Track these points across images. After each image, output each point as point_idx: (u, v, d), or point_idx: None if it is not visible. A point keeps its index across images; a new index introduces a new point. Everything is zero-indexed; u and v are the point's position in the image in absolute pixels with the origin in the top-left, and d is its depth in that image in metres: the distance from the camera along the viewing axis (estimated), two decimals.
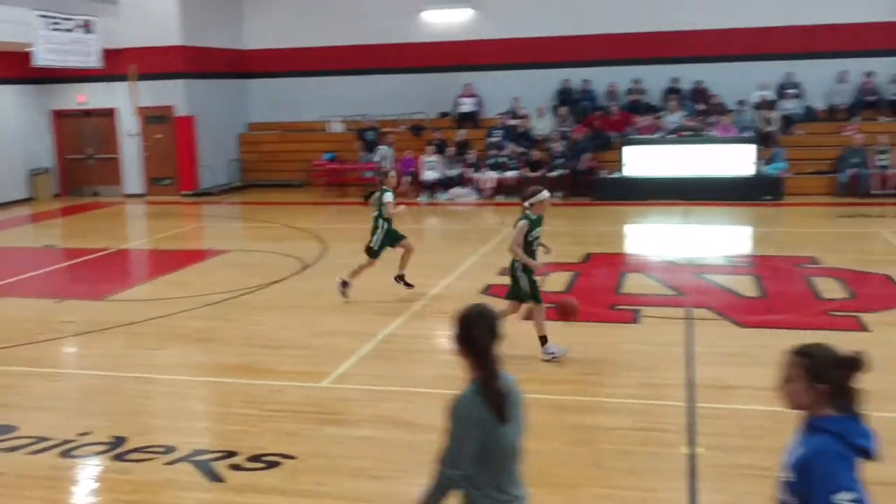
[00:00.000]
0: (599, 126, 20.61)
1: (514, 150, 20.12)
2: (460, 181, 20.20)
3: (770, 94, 20.45)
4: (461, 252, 13.68)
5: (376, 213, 10.57)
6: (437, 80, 22.47)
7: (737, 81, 20.50)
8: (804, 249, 13.13)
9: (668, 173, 18.61)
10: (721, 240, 15.40)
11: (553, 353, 7.99)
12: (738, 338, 8.83)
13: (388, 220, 10.52)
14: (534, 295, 8.01)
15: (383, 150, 18.38)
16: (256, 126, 24.19)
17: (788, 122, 20.20)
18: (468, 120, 22.02)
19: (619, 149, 19.43)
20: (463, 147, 20.69)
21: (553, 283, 11.26)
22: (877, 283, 10.93)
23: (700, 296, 10.37)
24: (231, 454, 6.20)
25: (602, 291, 10.90)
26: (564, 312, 7.93)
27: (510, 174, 19.79)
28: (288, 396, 7.42)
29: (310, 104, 23.20)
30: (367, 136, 21.84)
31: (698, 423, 6.49)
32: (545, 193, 8.03)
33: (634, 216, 17.32)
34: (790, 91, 20.54)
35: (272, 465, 6.04)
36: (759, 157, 18.72)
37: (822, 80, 20.52)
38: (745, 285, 10.96)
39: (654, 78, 21.28)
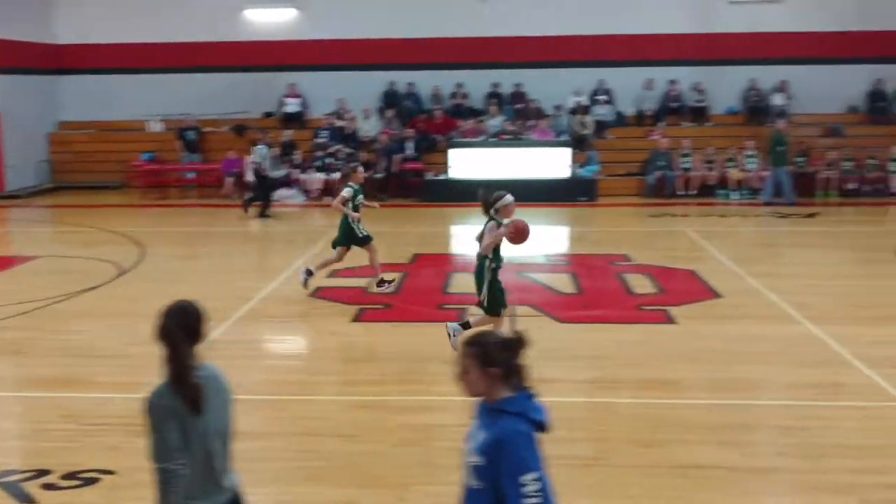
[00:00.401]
0: (424, 128, 20.93)
1: (342, 151, 20.09)
2: (286, 182, 19.94)
3: (584, 100, 21.47)
4: (288, 255, 13.53)
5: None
6: (261, 79, 22.10)
7: (553, 87, 21.41)
8: (617, 247, 13.87)
9: (491, 175, 19.11)
10: (541, 239, 15.99)
11: (455, 332, 8.10)
12: (558, 333, 9.23)
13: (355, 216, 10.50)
14: (490, 306, 7.92)
15: (261, 149, 18.09)
16: (69, 125, 22.89)
17: (601, 126, 21.27)
18: (294, 120, 21.80)
19: (445, 151, 19.82)
20: (289, 148, 20.45)
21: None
22: (683, 279, 11.71)
23: (522, 294, 10.75)
24: (44, 473, 5.87)
25: (430, 291, 11.09)
26: (519, 234, 7.80)
27: (335, 176, 19.72)
28: (108, 409, 7.10)
29: (128, 102, 22.19)
30: (188, 135, 21.19)
31: None
32: (510, 197, 8.07)
33: (460, 217, 17.68)
34: (602, 97, 21.65)
35: (90, 481, 5.77)
36: (575, 160, 19.62)
37: (630, 87, 21.78)
38: (564, 283, 11.47)
39: (477, 82, 21.89)
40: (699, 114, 21.65)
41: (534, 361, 6.67)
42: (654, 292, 10.90)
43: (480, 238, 8.08)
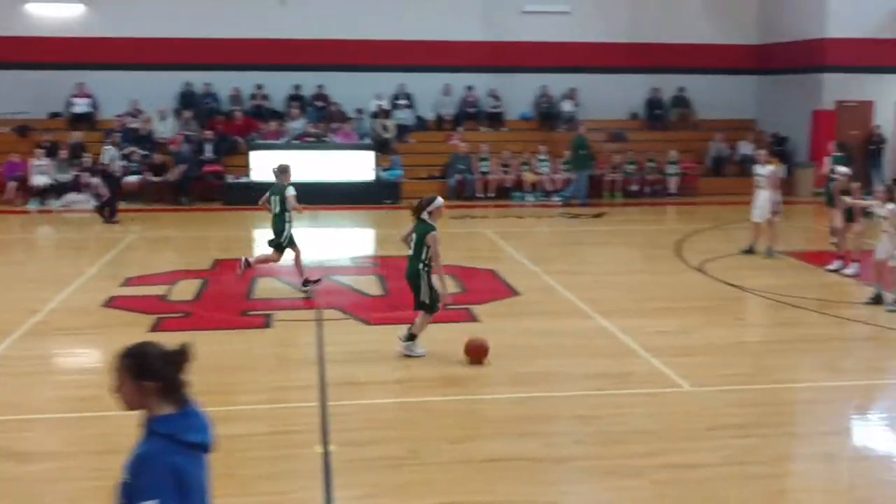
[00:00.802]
0: (223, 130, 20.40)
1: (137, 153, 19.20)
2: (75, 187, 18.80)
3: (386, 104, 21.70)
4: (79, 263, 12.79)
5: (278, 210, 10.62)
6: (46, 77, 20.71)
7: (356, 90, 21.51)
8: None
9: (294, 178, 18.89)
10: (347, 242, 16.04)
11: (417, 353, 8.22)
12: (365, 335, 9.29)
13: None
14: (433, 303, 8.13)
15: (110, 150, 16.94)
16: None
17: (403, 130, 21.59)
18: (83, 121, 20.58)
19: (246, 153, 19.41)
20: (77, 150, 19.28)
21: (180, 292, 10.98)
22: (484, 278, 12.10)
23: (329, 297, 10.73)
24: None
25: (232, 298, 10.82)
26: (476, 352, 8.04)
27: (132, 179, 18.85)
28: None
29: None
30: None
31: (331, 422, 6.74)
32: (441, 200, 8.23)
33: (263, 221, 17.35)
34: (403, 101, 21.97)
35: None
36: (378, 163, 19.80)
37: (430, 92, 22.26)
38: (370, 285, 11.55)
39: (277, 84, 21.60)
40: (495, 119, 22.45)
41: (343, 364, 6.74)
42: (457, 292, 11.19)
43: (407, 239, 8.29)
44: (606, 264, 13.50)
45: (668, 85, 23.08)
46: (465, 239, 15.93)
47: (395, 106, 21.88)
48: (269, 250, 10.95)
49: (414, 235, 8.16)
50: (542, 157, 20.76)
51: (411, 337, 8.31)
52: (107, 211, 16.63)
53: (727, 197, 19.71)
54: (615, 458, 6.10)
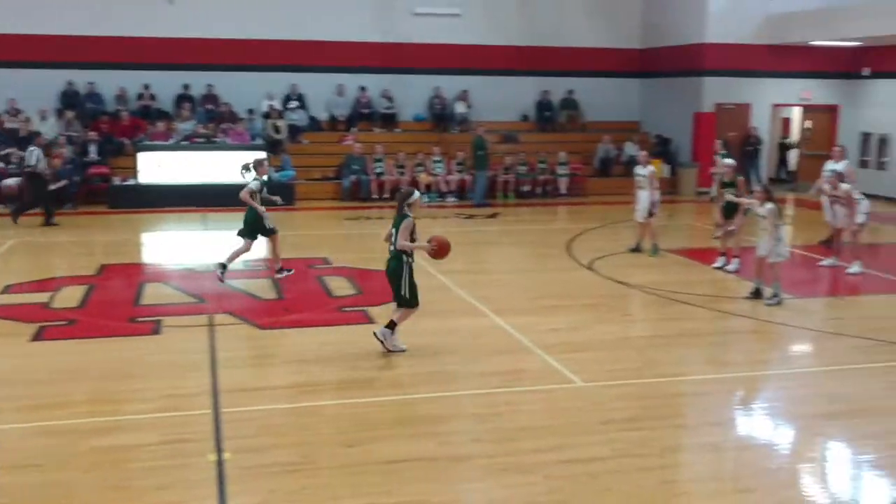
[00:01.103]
0: (108, 131, 19.74)
1: (15, 155, 18.35)
2: None
3: (277, 104, 21.42)
4: None
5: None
6: None
7: (247, 90, 21.17)
8: (316, 251, 14.01)
9: (184, 180, 18.47)
10: (239, 245, 15.69)
11: (399, 346, 8.39)
12: (259, 340, 9.15)
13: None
14: (412, 297, 8.36)
15: (35, 150, 16.01)
16: None
17: (295, 131, 21.35)
18: None
19: (133, 155, 18.83)
20: None
21: (64, 299, 10.56)
22: (380, 279, 11.96)
23: (221, 301, 10.52)
24: None
25: (120, 304, 10.48)
26: (441, 249, 8.45)
27: (11, 181, 18.01)
28: None
29: None
30: None
31: (224, 429, 6.60)
32: (418, 193, 8.64)
33: (151, 224, 16.91)
34: (295, 102, 21.72)
35: None
36: (270, 164, 19.48)
37: (323, 93, 22.10)
38: (264, 288, 11.37)
39: (165, 84, 21.04)
40: (389, 120, 22.45)
41: (235, 370, 6.62)
42: (353, 293, 11.15)
43: (389, 238, 8.45)
44: (500, 263, 13.69)
45: (557, 87, 23.57)
46: (360, 240, 15.88)
47: (287, 106, 21.61)
48: (240, 242, 11.08)
49: (394, 230, 8.35)
50: (437, 158, 20.88)
51: (391, 325, 8.45)
52: (19, 216, 15.96)
53: (614, 197, 20.28)
54: (511, 455, 6.19)
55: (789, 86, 22.31)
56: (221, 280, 10.81)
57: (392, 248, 8.38)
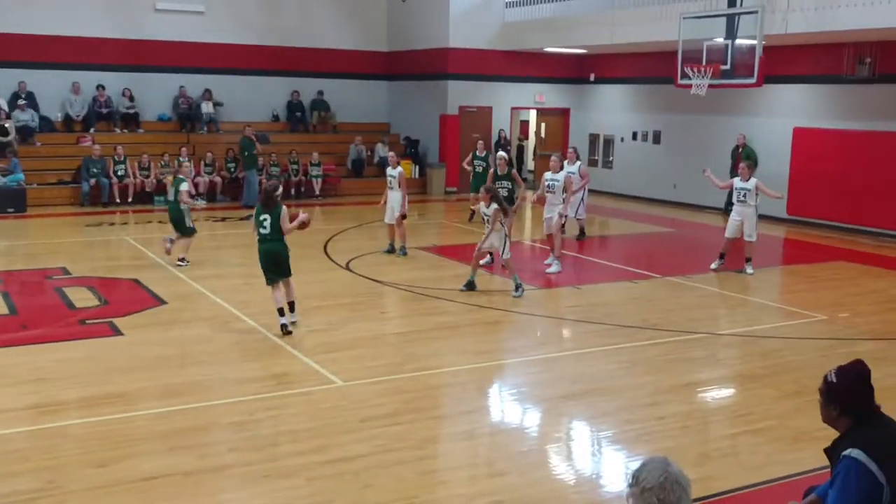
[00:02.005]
0: None
1: None
2: None
3: (3, 104, 19.70)
4: None
5: (173, 199, 12.62)
6: None
7: None
8: (54, 261, 13.07)
9: None
10: None
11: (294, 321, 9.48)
12: None
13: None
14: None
15: None
16: None
17: (25, 132, 19.74)
18: None
19: None
20: None
21: None
22: (126, 288, 11.48)
23: None
24: None
25: None
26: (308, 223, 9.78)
27: None
28: None
29: None
30: None
31: None
32: (276, 182, 10.32)
33: None
34: (23, 101, 20.06)
35: None
36: None
37: (56, 91, 20.60)
38: None
39: None
40: (131, 120, 21.35)
41: None
42: (97, 305, 10.52)
43: (258, 227, 9.56)
44: (256, 266, 13.39)
45: (306, 88, 23.51)
46: (103, 247, 15.02)
47: (14, 105, 19.91)
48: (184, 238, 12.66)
49: (267, 219, 9.37)
50: (184, 159, 20.09)
51: (291, 306, 9.58)
52: None
53: (368, 197, 20.53)
54: (271, 461, 6.13)
55: (526, 89, 23.70)
56: (169, 253, 12.23)
57: (267, 234, 9.42)
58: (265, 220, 9.36)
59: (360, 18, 24.22)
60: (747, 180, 12.92)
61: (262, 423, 6.85)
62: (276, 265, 9.47)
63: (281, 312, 9.29)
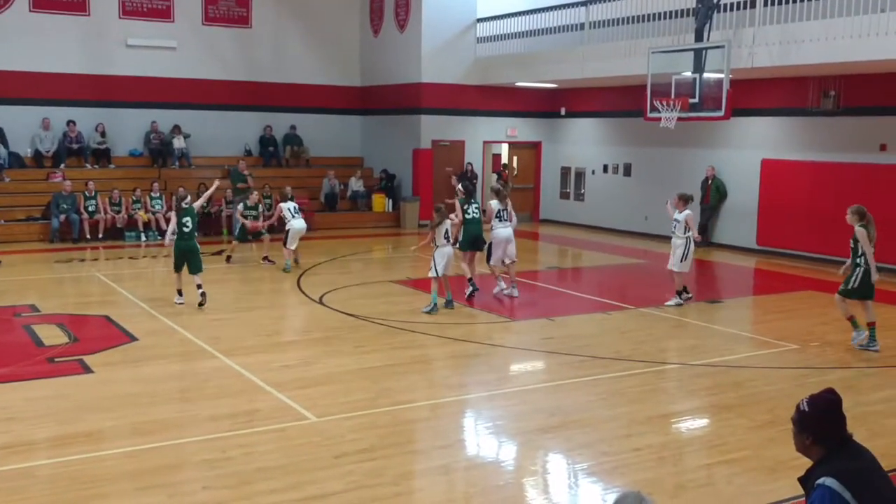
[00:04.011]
0: None
1: None
2: None
3: None
4: None
5: (188, 231, 12.56)
6: None
7: None
8: (23, 298, 12.90)
9: None
10: None
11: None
12: None
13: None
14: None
15: None
16: None
17: None
18: None
19: None
20: None
21: None
22: (97, 325, 11.34)
23: None
24: None
25: None
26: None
27: None
28: None
29: None
30: None
31: None
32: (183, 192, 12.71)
33: None
34: None
35: None
36: None
37: (26, 127, 20.47)
38: None
39: None
40: (102, 155, 21.24)
41: None
42: (66, 342, 10.36)
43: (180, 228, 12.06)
44: (228, 302, 13.30)
45: (279, 123, 23.54)
46: (73, 284, 14.85)
47: None
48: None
49: (189, 220, 11.99)
50: (155, 194, 20.02)
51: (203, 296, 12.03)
52: None
53: (341, 231, 20.52)
54: (244, 499, 6.03)
55: (498, 123, 23.87)
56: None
57: (187, 231, 11.98)
58: (187, 221, 11.98)
59: (333, 54, 24.34)
60: (681, 212, 12.87)
61: (235, 460, 6.76)
62: (195, 259, 12.19)
63: (179, 293, 12.17)
